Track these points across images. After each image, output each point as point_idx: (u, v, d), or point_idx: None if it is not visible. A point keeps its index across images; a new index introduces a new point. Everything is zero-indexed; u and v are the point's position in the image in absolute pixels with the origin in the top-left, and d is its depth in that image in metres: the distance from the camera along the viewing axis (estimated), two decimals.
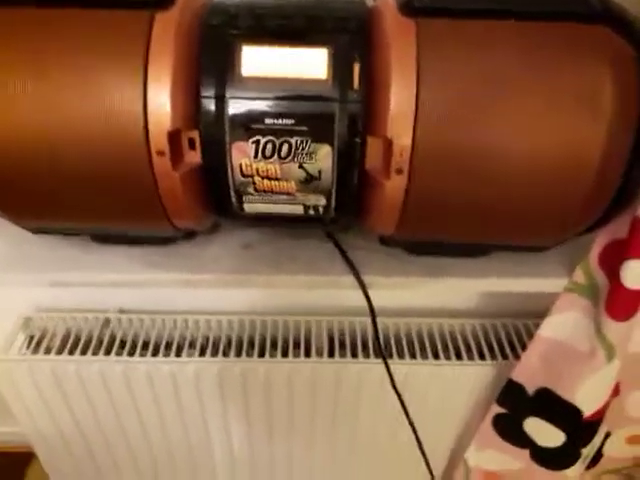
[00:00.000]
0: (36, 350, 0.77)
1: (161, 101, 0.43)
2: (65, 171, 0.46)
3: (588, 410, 0.67)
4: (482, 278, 0.57)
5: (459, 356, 0.79)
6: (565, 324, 0.62)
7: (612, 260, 0.55)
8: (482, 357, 0.79)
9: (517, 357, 0.78)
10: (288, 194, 0.48)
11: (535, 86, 0.43)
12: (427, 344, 0.79)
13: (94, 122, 0.43)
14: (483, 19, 0.43)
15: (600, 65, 0.43)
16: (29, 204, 0.49)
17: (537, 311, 0.66)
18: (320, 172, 0.47)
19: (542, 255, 0.57)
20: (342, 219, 0.53)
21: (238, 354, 0.76)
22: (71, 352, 0.76)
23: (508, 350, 0.80)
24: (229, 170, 0.47)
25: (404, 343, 0.79)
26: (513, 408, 0.73)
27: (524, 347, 0.79)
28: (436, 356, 0.79)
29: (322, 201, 0.49)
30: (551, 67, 0.43)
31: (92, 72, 0.43)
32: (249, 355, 0.76)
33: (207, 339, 0.79)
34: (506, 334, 0.81)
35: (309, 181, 0.47)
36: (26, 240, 0.58)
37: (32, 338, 0.79)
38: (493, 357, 0.79)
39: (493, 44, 0.43)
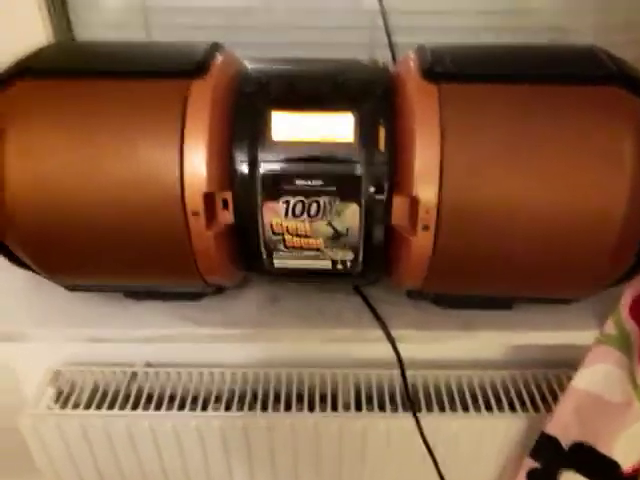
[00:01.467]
0: (64, 404, 0.77)
1: (197, 165, 0.45)
2: (103, 232, 0.48)
3: (626, 464, 0.64)
4: (511, 331, 0.57)
5: (489, 408, 0.78)
6: (598, 376, 0.61)
7: None
8: (512, 409, 0.77)
9: (549, 408, 0.76)
10: (317, 250, 0.50)
11: (555, 145, 0.44)
12: (456, 396, 0.78)
13: (133, 185, 0.46)
14: (503, 83, 0.45)
15: (619, 123, 0.44)
16: (65, 263, 0.51)
17: (568, 361, 0.65)
18: (348, 229, 0.48)
19: (572, 306, 0.57)
20: (369, 273, 0.53)
21: (264, 408, 0.76)
22: (99, 406, 0.76)
23: (539, 401, 0.78)
24: (260, 228, 0.48)
25: (433, 396, 0.78)
26: (548, 462, 0.70)
27: (555, 398, 0.77)
28: (465, 409, 0.77)
29: (350, 256, 0.50)
30: (572, 126, 0.44)
31: (133, 138, 0.46)
32: (275, 409, 0.76)
33: (233, 392, 0.79)
34: (536, 385, 0.80)
35: (337, 238, 0.49)
36: (60, 296, 0.59)
37: (61, 392, 0.79)
38: (524, 408, 0.77)
39: (513, 106, 0.45)
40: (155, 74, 0.47)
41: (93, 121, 0.46)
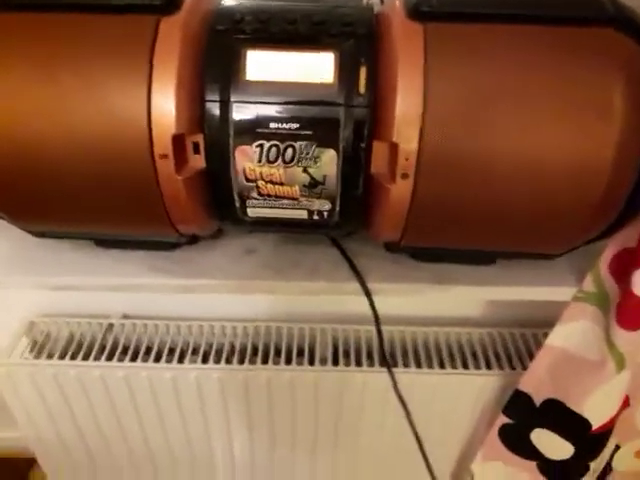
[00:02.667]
0: (39, 355, 0.77)
1: (165, 105, 0.43)
2: (68, 174, 0.46)
3: (597, 422, 0.65)
4: (489, 286, 0.56)
5: (466, 365, 0.78)
6: (574, 333, 0.61)
7: (623, 268, 0.54)
8: (489, 367, 0.78)
9: (525, 367, 0.77)
10: (292, 199, 0.48)
11: (544, 91, 0.42)
12: (433, 353, 0.78)
13: (98, 125, 0.43)
14: (491, 23, 0.43)
15: (611, 69, 0.42)
16: (32, 207, 0.49)
17: (546, 320, 0.65)
18: (325, 177, 0.46)
19: (551, 263, 0.56)
20: (347, 225, 0.52)
21: (241, 361, 0.75)
22: (73, 357, 0.75)
23: (516, 360, 0.79)
24: (233, 174, 0.46)
25: (410, 352, 0.78)
26: (520, 419, 0.71)
27: (532, 357, 0.77)
28: (442, 365, 0.78)
29: (327, 206, 0.49)
30: (561, 71, 0.42)
31: (97, 75, 0.43)
32: (252, 362, 0.75)
33: (210, 345, 0.79)
34: (514, 344, 0.80)
35: (313, 186, 0.47)
36: (30, 244, 0.57)
37: (35, 342, 0.78)
38: (500, 367, 0.78)
39: (501, 48, 0.43)
40: (124, 8, 0.44)
41: (57, 57, 0.43)
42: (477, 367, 0.78)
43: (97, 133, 0.43)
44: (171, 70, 0.43)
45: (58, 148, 0.44)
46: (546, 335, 0.63)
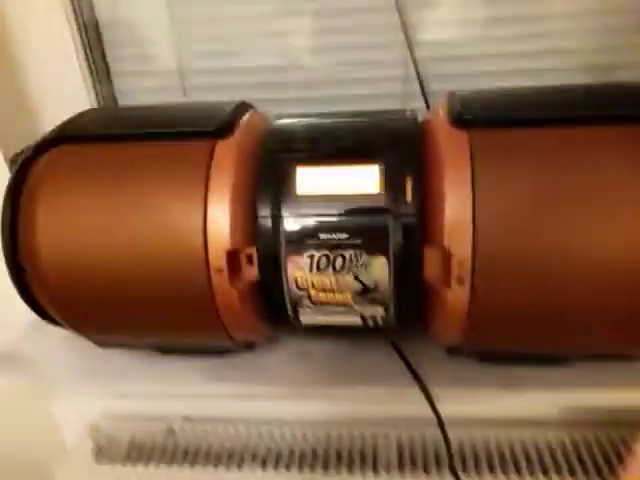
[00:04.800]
0: (101, 458, 0.77)
1: (220, 222, 0.45)
2: (129, 290, 0.48)
3: None
4: (562, 389, 0.52)
5: (546, 472, 0.70)
6: None
7: None
8: (572, 473, 0.70)
9: (613, 473, 0.68)
10: (345, 305, 0.47)
11: (597, 189, 0.40)
12: (508, 458, 0.72)
13: (158, 242, 0.46)
14: (537, 127, 0.43)
15: None
16: (93, 319, 0.51)
17: (636, 421, 0.58)
18: (376, 283, 0.46)
19: (633, 363, 0.51)
20: (403, 329, 0.50)
21: (300, 467, 0.72)
22: (134, 461, 0.75)
23: (603, 465, 0.70)
24: (285, 284, 0.47)
25: (482, 457, 0.72)
26: None
27: (621, 461, 0.69)
28: (519, 472, 0.71)
29: (380, 312, 0.48)
30: (615, 171, 0.41)
31: (158, 197, 0.46)
32: (312, 469, 0.72)
33: (269, 449, 0.76)
34: (600, 447, 0.72)
35: (365, 292, 0.46)
36: (94, 352, 0.60)
37: (98, 446, 0.79)
38: (586, 473, 0.70)
39: (548, 151, 0.42)
40: (182, 135, 0.48)
41: (120, 182, 0.47)
42: (559, 474, 0.70)
43: (156, 250, 0.46)
44: (226, 189, 0.45)
45: (121, 265, 0.47)
46: (634, 436, 0.57)
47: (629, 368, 0.52)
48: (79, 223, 0.47)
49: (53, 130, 0.51)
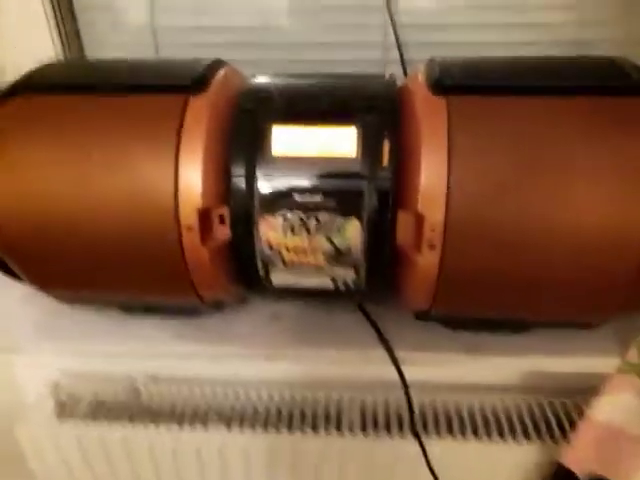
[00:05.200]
0: (62, 416, 0.76)
1: (192, 180, 0.44)
2: (96, 244, 0.47)
3: None
4: (524, 356, 0.54)
5: (502, 435, 0.74)
6: (619, 406, 0.57)
7: None
8: (527, 437, 0.73)
9: (566, 438, 0.72)
10: (316, 268, 0.47)
11: (572, 161, 0.41)
12: (467, 422, 0.74)
13: (127, 197, 0.45)
14: (514, 95, 0.43)
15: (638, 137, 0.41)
16: (60, 275, 0.50)
17: (588, 388, 0.61)
18: (349, 247, 0.46)
19: (590, 331, 0.53)
20: (373, 293, 0.51)
21: (265, 427, 0.73)
22: (97, 419, 0.74)
23: (556, 430, 0.74)
24: (257, 244, 0.46)
25: (442, 420, 0.74)
26: None
27: (573, 426, 0.73)
28: (477, 435, 0.74)
29: (351, 275, 0.48)
30: (590, 142, 0.41)
31: (128, 152, 0.44)
32: (277, 429, 0.73)
33: (234, 410, 0.77)
34: (554, 413, 0.75)
35: (338, 255, 0.46)
36: (59, 309, 0.58)
37: (60, 403, 0.78)
38: (540, 437, 0.73)
39: (525, 120, 0.42)
40: (154, 89, 0.46)
41: (88, 135, 0.45)
42: (515, 437, 0.73)
43: (125, 205, 0.45)
44: (198, 146, 0.44)
45: (87, 220, 0.46)
46: (587, 403, 0.60)
47: (586, 337, 0.54)
48: (43, 175, 0.45)
49: (17, 79, 0.48)
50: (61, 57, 0.67)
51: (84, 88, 0.46)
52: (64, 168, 0.45)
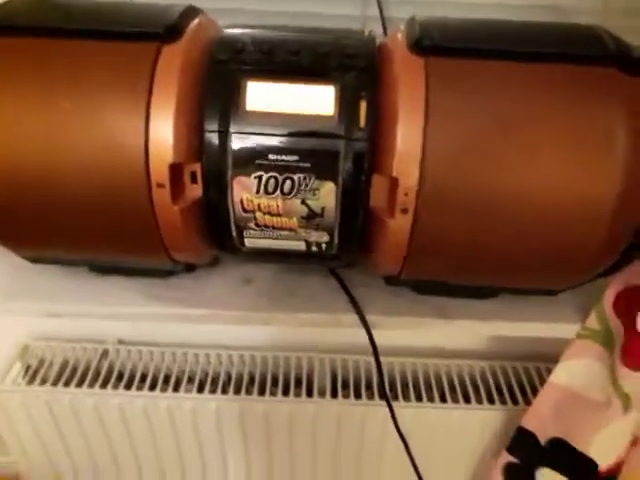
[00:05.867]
0: (32, 380, 0.75)
1: (163, 134, 0.42)
2: (64, 200, 0.45)
3: (604, 462, 0.63)
4: (491, 321, 0.55)
5: (467, 399, 0.76)
6: (578, 371, 0.59)
7: (627, 307, 0.52)
8: (491, 401, 0.76)
9: (528, 402, 0.75)
10: (290, 230, 0.47)
11: (545, 128, 0.41)
12: (434, 386, 0.77)
13: (95, 151, 0.43)
14: (494, 59, 0.42)
15: (613, 106, 0.42)
16: (27, 232, 0.48)
17: (549, 354, 0.63)
18: (323, 209, 0.45)
19: (554, 298, 0.55)
20: (345, 257, 0.51)
21: (237, 391, 0.74)
22: (67, 383, 0.74)
23: (519, 394, 0.77)
24: (230, 205, 0.46)
25: (410, 384, 0.76)
26: (524, 457, 0.69)
27: (535, 392, 0.76)
28: (443, 399, 0.76)
29: (325, 238, 0.48)
30: (563, 109, 0.41)
31: (96, 101, 0.42)
32: (249, 392, 0.74)
33: (206, 374, 0.77)
34: (516, 378, 0.78)
35: (312, 217, 0.46)
36: (25, 269, 0.57)
37: (29, 367, 0.77)
38: (503, 401, 0.76)
39: (503, 85, 0.42)
40: (124, 36, 0.44)
41: (56, 83, 0.43)
42: (479, 401, 0.76)
43: (94, 159, 0.43)
44: (170, 98, 0.42)
45: (54, 173, 0.44)
46: (549, 370, 0.62)
47: (549, 303, 0.56)
48: (10, 125, 0.43)
49: None
50: None
51: (49, 31, 0.43)
52: (29, 118, 0.43)
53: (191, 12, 0.47)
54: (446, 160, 0.42)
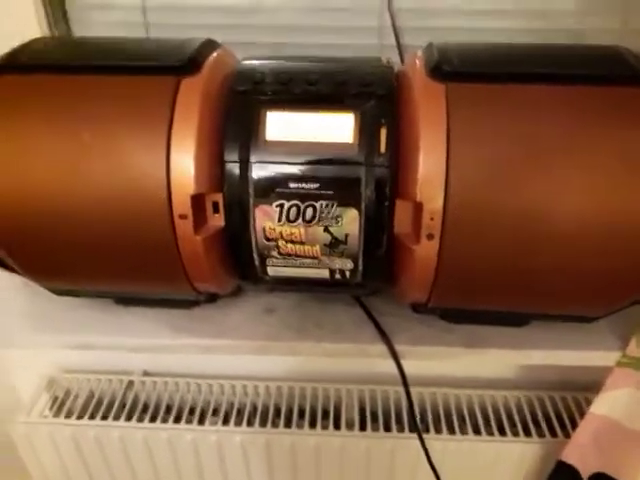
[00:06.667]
0: (58, 412, 0.75)
1: (185, 165, 0.43)
2: (86, 233, 0.45)
3: None
4: (524, 349, 0.53)
5: (502, 431, 0.73)
6: (620, 401, 0.56)
7: None
8: (527, 433, 0.73)
9: (567, 434, 0.71)
10: (313, 258, 0.46)
11: (575, 150, 0.40)
12: (467, 417, 0.74)
13: (117, 183, 0.43)
14: (516, 83, 0.42)
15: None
16: (50, 265, 0.49)
17: (588, 383, 0.60)
18: (347, 236, 0.45)
19: (591, 325, 0.52)
20: (370, 284, 0.50)
21: (263, 423, 0.72)
22: (93, 416, 0.74)
23: (557, 426, 0.73)
24: (252, 233, 0.45)
25: (442, 416, 0.74)
26: None
27: (574, 423, 0.72)
28: (477, 431, 0.73)
29: (349, 265, 0.47)
30: (592, 130, 0.40)
31: (117, 135, 0.43)
32: (275, 425, 0.72)
33: (231, 405, 0.76)
34: (554, 408, 0.75)
35: (335, 245, 0.45)
36: (50, 301, 0.57)
37: (56, 399, 0.77)
38: (540, 434, 0.72)
39: (527, 107, 0.41)
40: (144, 70, 0.45)
41: (77, 119, 0.44)
42: (515, 433, 0.73)
43: (116, 192, 0.43)
44: (191, 130, 0.43)
45: (77, 206, 0.44)
46: (588, 399, 0.59)
47: (586, 330, 0.53)
48: (31, 160, 0.44)
49: (1, 57, 0.47)
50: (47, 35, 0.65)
51: (72, 68, 0.44)
52: (52, 153, 0.43)
53: (210, 45, 0.48)
54: (471, 184, 0.41)
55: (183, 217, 0.44)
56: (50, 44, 0.50)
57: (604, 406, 0.58)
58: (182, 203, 0.43)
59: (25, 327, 0.57)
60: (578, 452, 0.62)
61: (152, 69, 0.44)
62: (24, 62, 0.46)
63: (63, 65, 0.45)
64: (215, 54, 0.47)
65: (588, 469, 0.62)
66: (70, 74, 0.45)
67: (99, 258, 0.47)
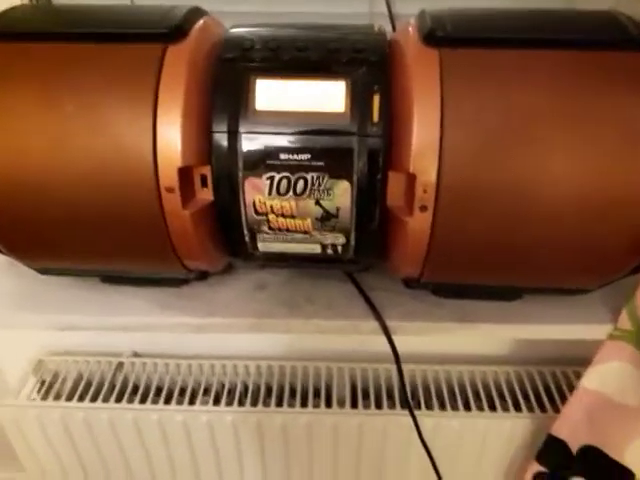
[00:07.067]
0: (46, 395, 0.74)
1: (171, 136, 0.41)
2: (71, 208, 0.44)
3: None
4: (516, 324, 0.53)
5: (492, 407, 0.73)
6: (611, 376, 0.56)
7: None
8: (518, 408, 0.73)
9: (556, 409, 0.72)
10: (304, 232, 0.46)
11: (572, 117, 0.39)
12: (457, 393, 0.74)
13: (102, 157, 0.42)
14: (511, 48, 0.41)
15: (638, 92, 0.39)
16: (34, 243, 0.47)
17: (577, 357, 0.61)
18: (338, 209, 0.44)
19: (582, 298, 0.52)
20: (362, 259, 0.49)
21: (254, 403, 0.72)
22: (81, 398, 0.73)
23: (546, 401, 0.74)
24: (242, 207, 0.44)
25: (433, 392, 0.74)
26: (555, 467, 0.66)
27: (564, 398, 0.73)
28: (467, 407, 0.73)
29: (341, 240, 0.46)
30: (589, 97, 0.39)
31: (102, 105, 0.41)
32: (266, 404, 0.72)
33: (222, 385, 0.76)
34: (543, 383, 0.75)
35: (327, 219, 0.44)
36: (35, 281, 0.56)
37: (43, 382, 0.76)
38: (530, 408, 0.73)
39: (523, 74, 0.40)
40: (129, 38, 0.43)
41: (61, 87, 0.42)
42: (505, 409, 0.73)
43: (101, 165, 0.42)
44: (177, 100, 0.41)
45: (61, 181, 0.43)
46: (578, 373, 0.59)
47: (576, 304, 0.53)
48: (15, 132, 0.42)
49: None
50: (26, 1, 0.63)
51: (52, 36, 0.42)
52: (33, 125, 0.42)
53: (196, 12, 0.46)
54: (465, 154, 0.40)
55: (170, 190, 0.42)
56: (29, 12, 0.48)
57: (595, 380, 0.58)
58: (169, 176, 0.42)
59: (10, 308, 0.55)
60: (568, 426, 0.62)
61: (136, 37, 0.42)
62: (3, 31, 0.44)
63: (43, 33, 0.43)
64: (202, 21, 0.45)
65: (578, 442, 0.62)
66: (50, 42, 0.43)
67: (85, 234, 0.46)
